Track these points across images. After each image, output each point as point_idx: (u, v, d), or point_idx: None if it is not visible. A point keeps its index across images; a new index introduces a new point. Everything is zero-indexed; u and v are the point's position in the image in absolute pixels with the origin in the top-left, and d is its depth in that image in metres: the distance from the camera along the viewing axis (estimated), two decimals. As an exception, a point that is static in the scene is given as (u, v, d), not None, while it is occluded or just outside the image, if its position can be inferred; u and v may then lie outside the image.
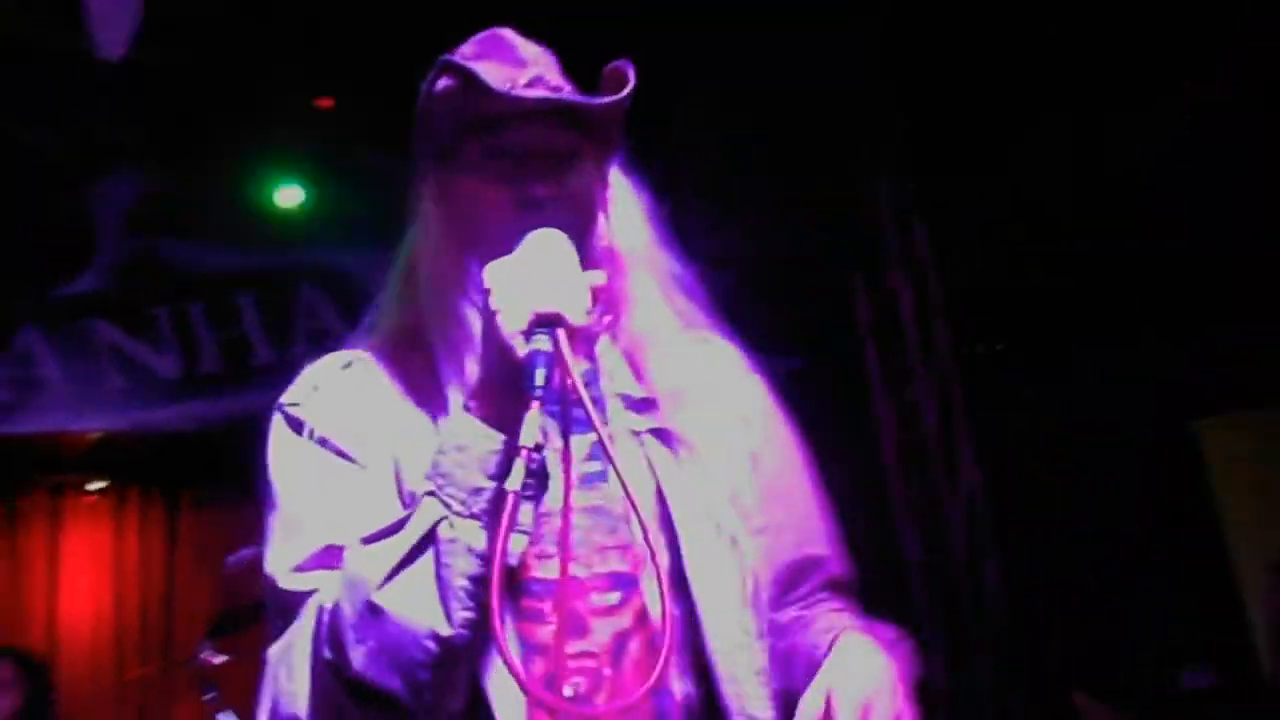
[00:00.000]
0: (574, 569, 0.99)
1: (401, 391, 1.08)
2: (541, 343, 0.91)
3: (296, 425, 1.09)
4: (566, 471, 0.96)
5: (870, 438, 4.19)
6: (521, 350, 0.91)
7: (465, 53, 1.13)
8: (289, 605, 0.99)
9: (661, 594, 0.91)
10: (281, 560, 1.01)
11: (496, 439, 0.92)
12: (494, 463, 0.92)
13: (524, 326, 0.91)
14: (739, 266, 3.38)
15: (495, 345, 0.93)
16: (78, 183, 4.48)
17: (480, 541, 0.90)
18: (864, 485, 3.87)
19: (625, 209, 1.14)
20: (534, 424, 0.89)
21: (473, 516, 0.91)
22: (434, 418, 1.04)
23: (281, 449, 1.09)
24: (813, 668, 0.98)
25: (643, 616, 0.99)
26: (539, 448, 0.89)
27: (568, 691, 0.96)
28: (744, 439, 1.13)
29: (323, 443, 1.06)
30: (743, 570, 1.03)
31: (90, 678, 4.61)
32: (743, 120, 4.06)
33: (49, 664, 4.02)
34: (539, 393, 0.89)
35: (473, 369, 1.01)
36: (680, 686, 0.99)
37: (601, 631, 0.98)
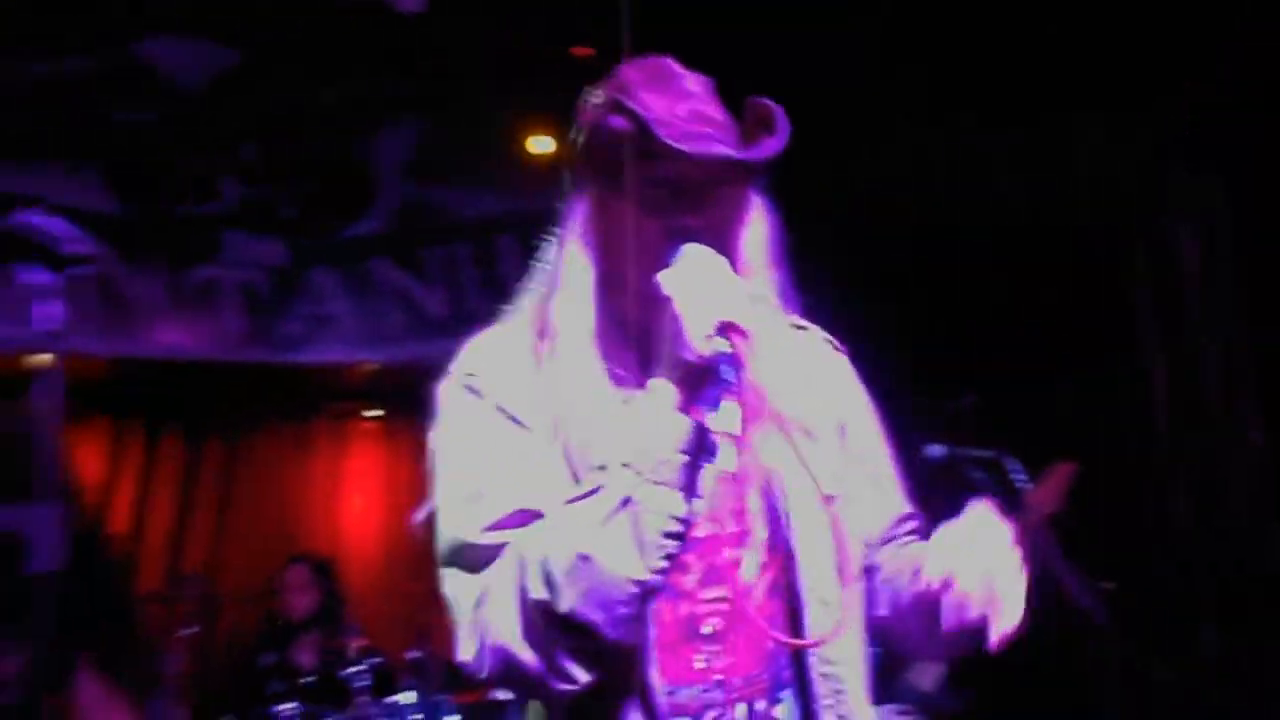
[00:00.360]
0: (713, 528, 1.19)
1: (539, 370, 1.22)
2: (723, 345, 1.06)
3: (474, 393, 1.21)
4: (742, 452, 1.09)
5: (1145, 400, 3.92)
6: (707, 351, 1.07)
7: (632, 78, 1.22)
8: (479, 559, 1.13)
9: (779, 552, 1.16)
10: (471, 521, 1.15)
11: (687, 423, 1.09)
12: (684, 442, 1.08)
13: (709, 331, 1.06)
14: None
15: (682, 347, 1.08)
16: (361, 134, 4.86)
17: (674, 505, 1.07)
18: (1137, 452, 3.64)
19: (758, 226, 1.27)
20: (734, 415, 1.07)
21: (664, 484, 1.07)
22: (580, 389, 1.20)
23: (461, 416, 1.21)
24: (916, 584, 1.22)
25: (765, 569, 1.20)
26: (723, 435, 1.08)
27: (706, 629, 1.17)
28: (835, 415, 1.31)
29: (499, 409, 1.19)
30: (834, 533, 1.18)
31: (367, 587, 5.07)
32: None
33: (337, 570, 4.44)
34: (726, 388, 1.06)
35: (649, 354, 1.16)
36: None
37: (730, 584, 1.17)
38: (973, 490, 2.68)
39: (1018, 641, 3.04)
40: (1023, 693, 3.75)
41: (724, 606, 1.17)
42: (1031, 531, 2.72)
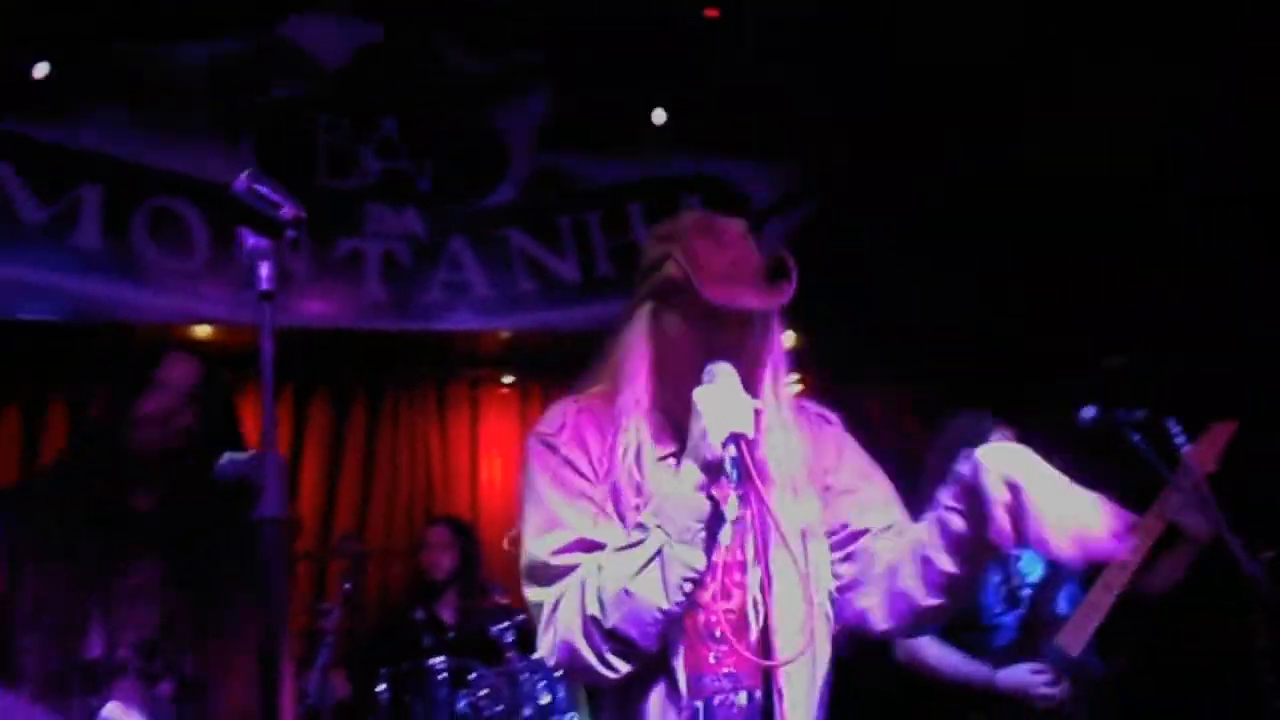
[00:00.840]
0: (724, 557, 1.59)
1: (605, 435, 1.65)
2: (731, 451, 1.47)
3: (553, 449, 1.65)
4: (760, 521, 1.57)
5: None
6: (720, 453, 1.47)
7: (688, 227, 1.67)
8: (551, 575, 1.57)
9: (763, 578, 1.57)
10: (546, 546, 1.58)
11: (705, 502, 1.50)
12: (702, 514, 1.50)
13: (723, 438, 1.46)
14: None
15: (705, 447, 1.48)
16: (494, 105, 4.96)
17: (694, 559, 1.49)
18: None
19: (776, 342, 1.69)
20: (733, 504, 1.53)
21: (685, 543, 1.49)
22: (628, 455, 1.63)
23: (542, 465, 1.65)
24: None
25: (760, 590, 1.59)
26: (728, 516, 1.54)
27: (718, 634, 1.57)
28: (821, 471, 1.74)
29: (568, 463, 1.63)
30: (809, 565, 1.63)
31: (502, 548, 5.22)
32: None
33: (475, 531, 4.58)
34: (734, 483, 1.48)
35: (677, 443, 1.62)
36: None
37: (738, 597, 1.59)
38: (1129, 451, 2.63)
39: (1174, 606, 2.94)
40: (1178, 660, 3.64)
41: (731, 616, 1.57)
42: (1191, 493, 2.65)
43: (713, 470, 1.48)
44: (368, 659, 3.96)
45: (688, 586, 1.48)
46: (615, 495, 1.60)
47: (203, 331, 4.80)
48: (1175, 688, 3.57)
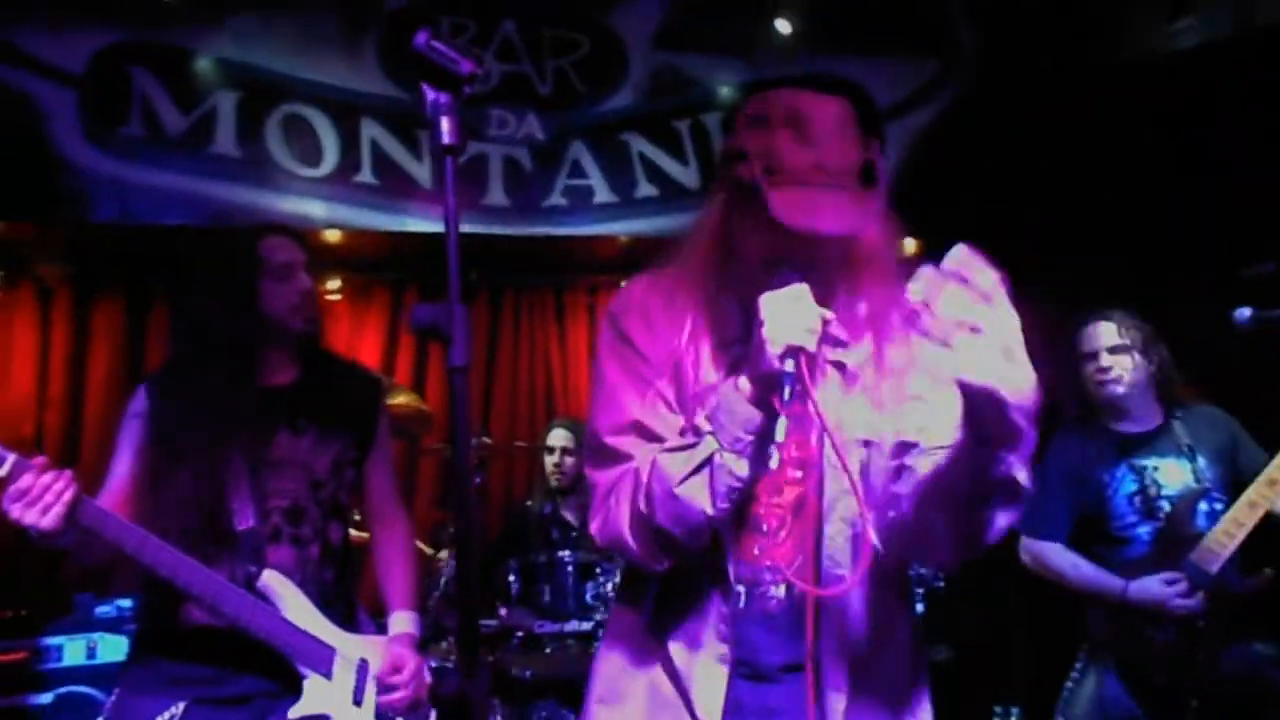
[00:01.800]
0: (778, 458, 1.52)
1: (674, 315, 1.59)
2: (790, 366, 1.39)
3: (620, 329, 1.61)
4: (794, 442, 1.54)
5: None
6: (777, 367, 1.39)
7: (773, 112, 1.49)
8: (607, 456, 1.57)
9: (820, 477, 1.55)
10: (604, 425, 1.59)
11: (757, 415, 1.45)
12: (753, 425, 1.46)
13: (779, 351, 1.39)
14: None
15: (762, 358, 1.41)
16: (612, 7, 4.90)
17: (739, 468, 1.47)
18: None
19: (854, 257, 1.56)
20: (783, 426, 1.43)
21: (735, 452, 1.46)
22: (693, 338, 1.58)
23: (608, 345, 1.63)
24: None
25: (813, 487, 1.57)
26: (778, 437, 1.44)
27: (764, 528, 1.55)
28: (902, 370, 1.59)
29: (632, 345, 1.59)
30: (863, 465, 1.56)
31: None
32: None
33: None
34: (787, 399, 1.40)
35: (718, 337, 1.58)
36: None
37: (788, 493, 1.56)
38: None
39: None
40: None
41: (778, 511, 1.55)
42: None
43: (768, 383, 1.41)
44: (497, 550, 4.12)
45: (734, 495, 1.48)
46: (677, 380, 1.57)
47: (332, 236, 4.95)
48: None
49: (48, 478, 1.89)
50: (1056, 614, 3.03)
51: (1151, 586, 2.77)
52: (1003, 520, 1.47)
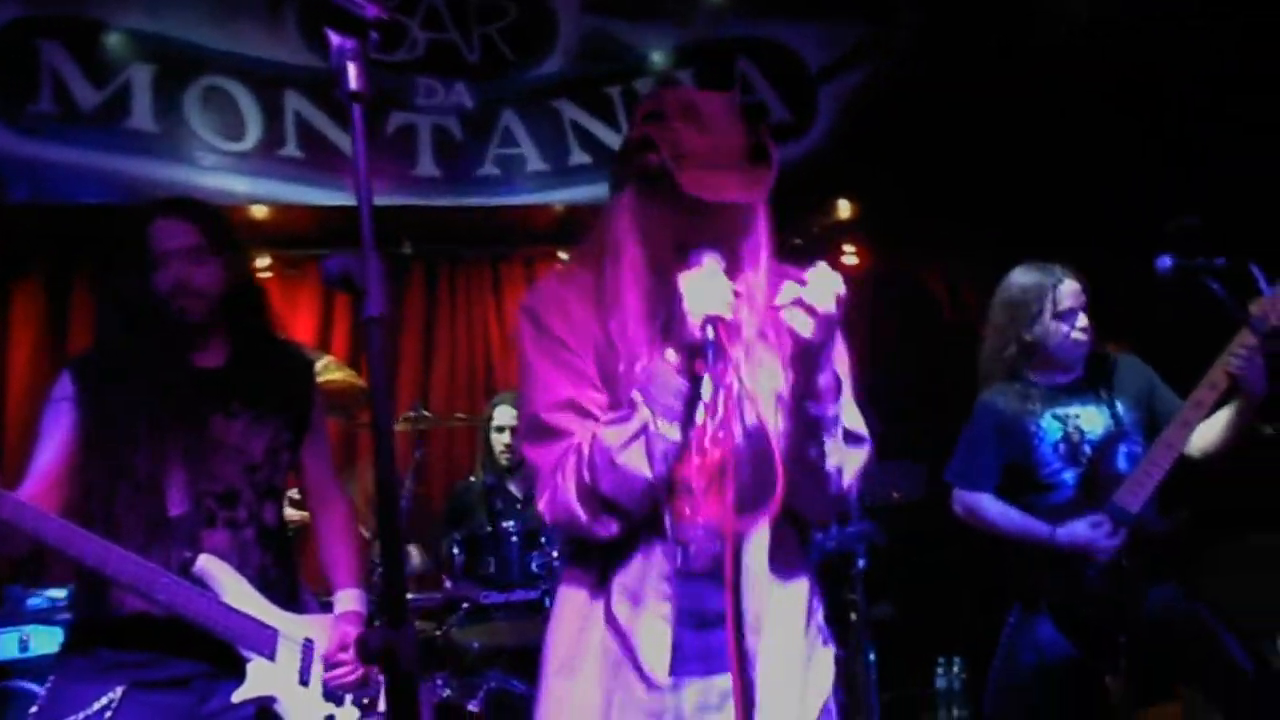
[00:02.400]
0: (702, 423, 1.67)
1: (590, 306, 1.70)
2: (710, 333, 1.53)
3: (539, 323, 1.71)
4: (718, 402, 1.63)
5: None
6: (699, 336, 1.53)
7: (669, 107, 1.62)
8: (547, 432, 1.66)
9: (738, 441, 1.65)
10: (541, 400, 1.67)
11: (684, 382, 1.60)
12: (682, 393, 1.60)
13: (700, 321, 1.53)
14: None
15: (684, 330, 1.55)
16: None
17: (671, 433, 1.60)
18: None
19: (758, 229, 1.70)
20: (708, 385, 1.60)
21: (667, 419, 1.59)
22: (607, 326, 1.69)
23: (531, 337, 1.71)
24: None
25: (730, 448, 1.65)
26: (704, 397, 1.62)
27: (693, 488, 1.65)
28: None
29: (553, 335, 1.69)
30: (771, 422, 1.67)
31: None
32: None
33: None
34: (709, 362, 1.54)
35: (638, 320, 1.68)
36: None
37: (713, 454, 1.64)
38: (1209, 299, 2.59)
39: (1229, 461, 2.91)
40: (1238, 515, 3.65)
41: (706, 473, 1.65)
42: (1260, 344, 2.61)
43: (692, 351, 1.57)
44: (444, 524, 4.10)
45: (669, 458, 1.61)
46: (600, 363, 1.69)
47: (259, 212, 4.84)
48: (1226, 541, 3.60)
49: None
50: (994, 566, 3.10)
51: (1078, 529, 2.85)
52: (845, 476, 1.70)
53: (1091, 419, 2.98)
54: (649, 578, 1.67)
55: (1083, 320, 3.00)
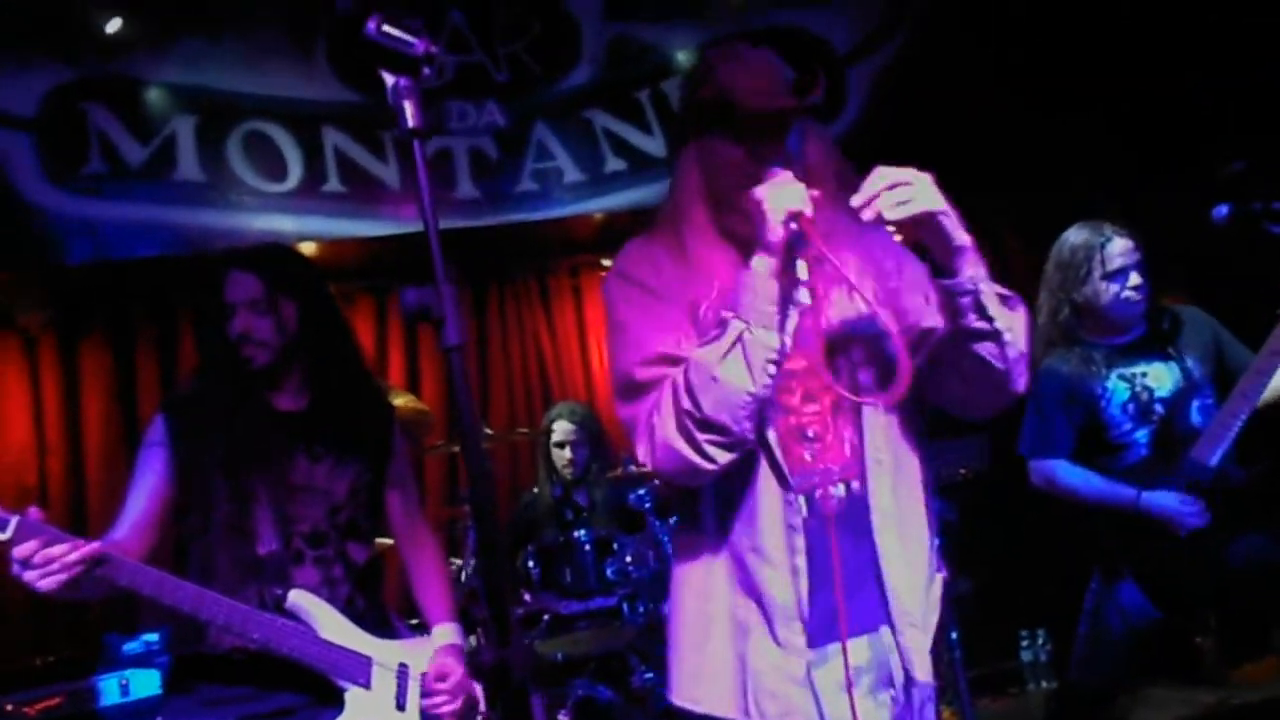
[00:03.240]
0: (804, 361, 1.68)
1: (676, 264, 1.72)
2: (794, 226, 1.57)
3: (628, 278, 1.74)
4: (818, 293, 1.69)
5: None
6: (782, 232, 1.58)
7: (713, 60, 1.72)
8: (640, 389, 1.66)
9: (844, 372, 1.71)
10: (632, 361, 1.67)
11: (774, 285, 1.59)
12: (774, 297, 1.59)
13: (782, 219, 1.57)
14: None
15: (766, 230, 1.58)
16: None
17: (771, 339, 1.58)
18: None
19: (817, 144, 1.74)
20: (803, 268, 1.65)
21: (762, 326, 1.57)
22: (694, 284, 1.69)
23: (620, 294, 1.74)
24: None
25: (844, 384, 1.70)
26: (801, 276, 1.66)
27: (810, 434, 1.69)
28: (884, 262, 1.78)
29: (644, 287, 1.71)
30: (884, 348, 1.70)
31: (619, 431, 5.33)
32: None
33: (594, 411, 4.67)
34: (798, 255, 1.61)
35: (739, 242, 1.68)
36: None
37: (823, 399, 1.69)
38: (1269, 242, 2.54)
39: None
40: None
41: (820, 417, 1.68)
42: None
43: (777, 250, 1.58)
44: (513, 538, 4.14)
45: (771, 368, 1.57)
46: (692, 311, 1.68)
47: (307, 249, 4.93)
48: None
49: (55, 549, 1.88)
50: (1072, 534, 3.07)
51: (1167, 500, 2.81)
52: (1018, 338, 1.66)
53: (1159, 376, 2.94)
54: (772, 532, 1.64)
55: (1135, 279, 2.95)
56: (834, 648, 1.63)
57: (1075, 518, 2.99)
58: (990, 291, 1.62)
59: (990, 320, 1.61)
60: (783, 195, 1.57)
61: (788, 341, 1.62)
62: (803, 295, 1.63)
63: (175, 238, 4.59)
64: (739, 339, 1.56)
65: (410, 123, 1.25)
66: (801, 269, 1.62)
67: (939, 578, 1.76)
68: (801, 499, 1.65)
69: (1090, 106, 4.59)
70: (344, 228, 4.81)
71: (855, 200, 1.55)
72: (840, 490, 1.67)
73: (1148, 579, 2.82)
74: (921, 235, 1.61)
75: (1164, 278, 3.04)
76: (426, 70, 1.27)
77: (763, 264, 1.58)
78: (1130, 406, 2.93)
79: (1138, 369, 2.95)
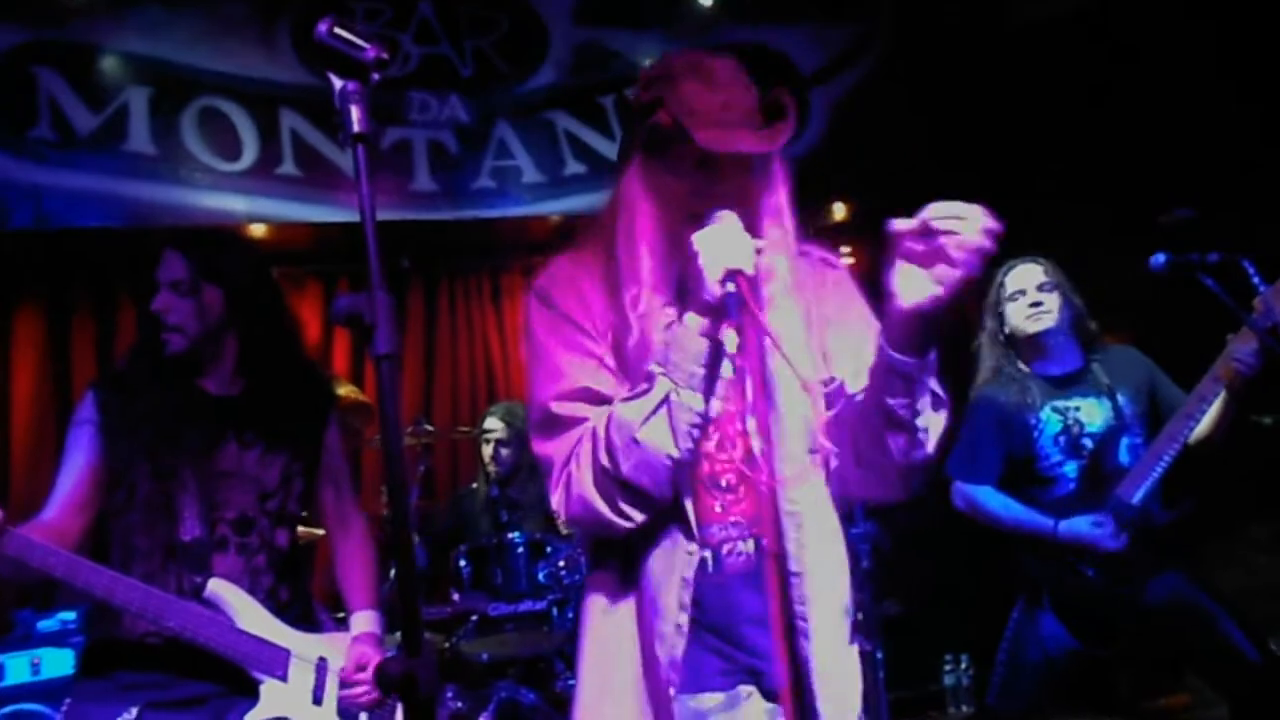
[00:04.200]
0: (725, 408, 1.60)
1: (602, 285, 1.61)
2: (730, 287, 1.44)
3: (550, 305, 1.62)
4: (750, 361, 1.57)
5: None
6: (719, 292, 1.44)
7: (675, 68, 1.57)
8: (559, 426, 1.56)
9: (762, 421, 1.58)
10: (551, 390, 1.57)
11: (705, 345, 1.49)
12: (705, 356, 1.49)
13: (720, 277, 1.44)
14: None
15: (703, 288, 1.46)
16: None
17: (697, 403, 1.49)
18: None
19: (775, 186, 1.61)
20: (732, 339, 1.52)
21: (690, 388, 1.48)
22: (621, 302, 1.58)
23: (540, 321, 1.62)
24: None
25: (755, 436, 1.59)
26: (728, 348, 1.53)
27: (723, 483, 1.60)
28: (830, 315, 1.68)
29: (566, 317, 1.60)
30: (810, 400, 1.58)
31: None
32: None
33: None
34: (734, 319, 1.46)
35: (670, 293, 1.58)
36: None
37: (741, 446, 1.59)
38: (1203, 294, 2.61)
39: (1233, 455, 2.92)
40: (1241, 504, 3.67)
41: (735, 466, 1.58)
42: (1268, 334, 2.63)
43: (711, 310, 1.46)
44: (447, 536, 4.11)
45: (695, 432, 1.49)
46: (616, 347, 1.58)
47: (257, 231, 4.86)
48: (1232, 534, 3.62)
49: None
50: (999, 563, 3.12)
51: (1080, 526, 2.86)
52: (918, 450, 1.55)
53: (1091, 411, 3.00)
54: (670, 583, 1.55)
55: (1035, 297, 3.04)
56: (710, 696, 1.56)
57: (1000, 545, 3.04)
58: (929, 385, 1.50)
59: (916, 414, 1.50)
60: (724, 249, 1.45)
61: (715, 407, 1.54)
62: (730, 344, 1.52)
63: (121, 210, 4.49)
64: (665, 400, 1.47)
65: (356, 127, 1.23)
66: (730, 340, 1.51)
67: (854, 649, 1.66)
68: (709, 554, 1.57)
69: (1045, 146, 4.68)
70: (296, 211, 4.74)
71: (935, 217, 1.40)
72: (749, 546, 1.58)
73: (1066, 609, 2.88)
74: (936, 300, 1.42)
75: (1108, 321, 3.11)
76: (375, 76, 1.25)
77: (694, 322, 1.48)
78: (1061, 439, 2.99)
79: (1071, 402, 3.02)
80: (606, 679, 1.60)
